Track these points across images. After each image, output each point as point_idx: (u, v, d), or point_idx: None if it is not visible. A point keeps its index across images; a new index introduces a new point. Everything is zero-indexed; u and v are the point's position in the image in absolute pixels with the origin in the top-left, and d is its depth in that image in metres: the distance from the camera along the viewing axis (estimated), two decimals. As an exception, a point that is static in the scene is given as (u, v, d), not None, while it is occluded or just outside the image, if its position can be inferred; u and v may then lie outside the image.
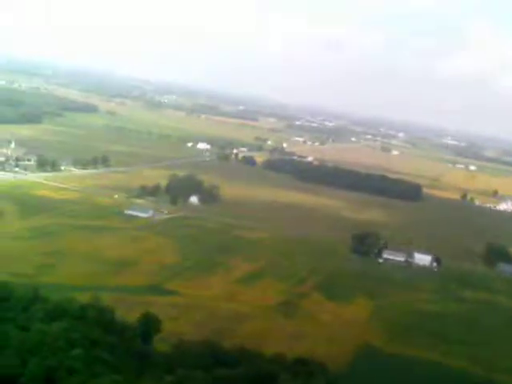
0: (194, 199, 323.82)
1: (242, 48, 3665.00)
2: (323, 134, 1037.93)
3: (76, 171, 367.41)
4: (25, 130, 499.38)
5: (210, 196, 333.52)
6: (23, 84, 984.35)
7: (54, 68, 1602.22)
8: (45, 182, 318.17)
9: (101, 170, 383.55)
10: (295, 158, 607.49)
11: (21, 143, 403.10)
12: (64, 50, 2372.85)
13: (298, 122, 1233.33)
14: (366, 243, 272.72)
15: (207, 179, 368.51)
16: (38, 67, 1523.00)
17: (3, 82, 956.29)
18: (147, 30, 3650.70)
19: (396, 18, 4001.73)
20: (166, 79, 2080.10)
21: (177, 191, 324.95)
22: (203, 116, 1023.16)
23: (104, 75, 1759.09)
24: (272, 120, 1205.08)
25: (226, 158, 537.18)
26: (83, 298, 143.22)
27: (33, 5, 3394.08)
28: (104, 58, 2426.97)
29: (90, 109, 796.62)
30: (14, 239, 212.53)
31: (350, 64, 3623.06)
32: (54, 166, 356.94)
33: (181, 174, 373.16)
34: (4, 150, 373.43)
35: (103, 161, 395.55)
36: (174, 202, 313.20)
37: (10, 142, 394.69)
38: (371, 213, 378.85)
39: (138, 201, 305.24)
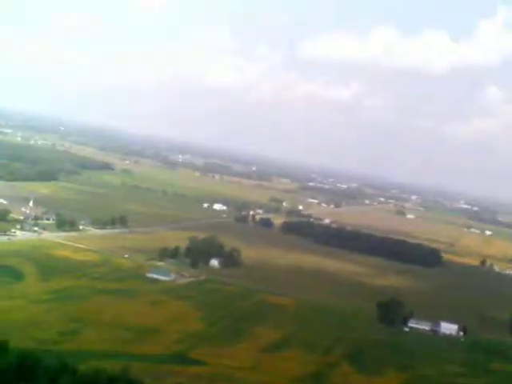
0: (214, 262, 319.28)
1: (249, 106, 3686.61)
2: (337, 196, 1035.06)
3: (95, 231, 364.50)
4: (42, 188, 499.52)
5: (230, 259, 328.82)
6: (39, 141, 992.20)
7: (66, 125, 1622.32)
8: (64, 242, 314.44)
9: (119, 230, 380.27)
10: (312, 220, 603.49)
11: (39, 201, 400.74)
12: (74, 108, 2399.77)
13: (310, 183, 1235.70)
14: (390, 311, 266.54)
15: (226, 241, 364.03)
16: (50, 124, 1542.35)
17: (19, 139, 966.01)
18: (153, 88, 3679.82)
19: (404, 82, 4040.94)
20: (175, 136, 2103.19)
21: (197, 254, 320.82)
22: (217, 176, 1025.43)
23: (115, 132, 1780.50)
24: (285, 181, 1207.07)
25: (243, 219, 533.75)
26: (109, 365, 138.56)
27: (41, 63, 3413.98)
28: (112, 115, 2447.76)
29: (106, 167, 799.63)
30: (35, 303, 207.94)
31: (358, 126, 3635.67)
32: (72, 226, 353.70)
33: (200, 235, 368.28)
34: (23, 209, 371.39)
35: (121, 221, 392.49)
36: (194, 264, 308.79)
37: (28, 200, 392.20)
38: (393, 279, 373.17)
39: (159, 263, 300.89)
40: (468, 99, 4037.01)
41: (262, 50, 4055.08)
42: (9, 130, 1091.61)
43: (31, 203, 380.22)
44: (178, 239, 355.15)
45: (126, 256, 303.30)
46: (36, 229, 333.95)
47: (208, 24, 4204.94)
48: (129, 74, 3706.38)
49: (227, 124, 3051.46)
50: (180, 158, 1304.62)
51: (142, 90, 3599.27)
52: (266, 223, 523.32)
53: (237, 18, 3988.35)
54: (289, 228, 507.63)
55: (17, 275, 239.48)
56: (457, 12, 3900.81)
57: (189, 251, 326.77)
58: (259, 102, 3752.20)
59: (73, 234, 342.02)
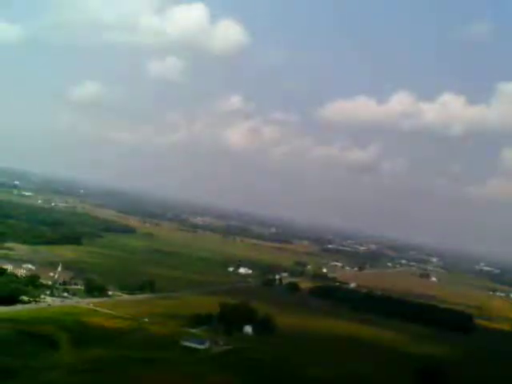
0: (248, 329, 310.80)
1: (265, 168, 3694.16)
2: (358, 258, 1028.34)
3: (124, 297, 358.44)
4: (67, 252, 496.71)
5: (263, 326, 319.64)
6: (59, 204, 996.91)
7: (84, 187, 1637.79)
8: (95, 308, 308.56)
9: (148, 296, 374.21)
10: (338, 284, 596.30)
11: (65, 266, 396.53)
12: (90, 170, 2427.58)
13: (330, 246, 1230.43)
14: (433, 381, 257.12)
15: (256, 307, 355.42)
16: (69, 186, 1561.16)
17: (40, 202, 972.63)
18: (168, 150, 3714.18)
19: (422, 144, 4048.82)
20: (191, 197, 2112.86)
21: (230, 320, 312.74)
22: (238, 239, 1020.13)
23: (133, 194, 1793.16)
24: (305, 243, 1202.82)
25: (270, 283, 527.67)
26: None
27: (55, 128, 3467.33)
28: (129, 176, 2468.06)
29: (127, 230, 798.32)
30: (71, 373, 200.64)
31: (376, 188, 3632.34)
32: (101, 291, 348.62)
33: (229, 300, 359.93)
34: (51, 274, 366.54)
35: (149, 286, 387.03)
36: (227, 332, 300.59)
37: (55, 264, 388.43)
38: (428, 346, 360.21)
39: (191, 330, 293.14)
40: (486, 161, 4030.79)
41: (278, 113, 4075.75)
42: (29, 193, 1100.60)
43: (59, 268, 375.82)
44: (208, 304, 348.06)
45: (159, 323, 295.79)
46: (66, 295, 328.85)
47: (223, 89, 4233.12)
48: (143, 137, 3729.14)
49: (243, 186, 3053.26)
50: (200, 220, 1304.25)
51: (156, 152, 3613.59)
52: (294, 287, 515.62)
53: (252, 83, 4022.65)
54: (317, 293, 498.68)
55: (51, 344, 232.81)
56: (473, 76, 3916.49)
57: (221, 318, 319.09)
58: (276, 165, 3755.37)
59: (103, 299, 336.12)
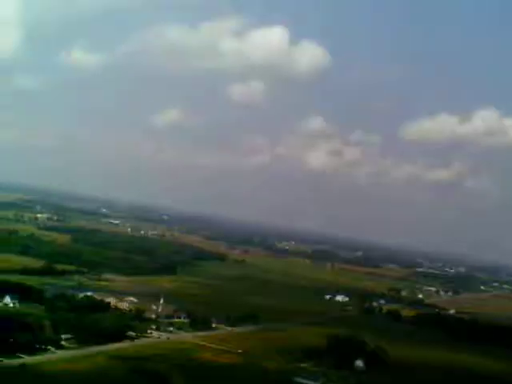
0: (359, 363, 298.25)
1: (346, 190, 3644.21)
2: (450, 282, 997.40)
3: (228, 329, 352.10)
4: (164, 282, 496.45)
5: (375, 359, 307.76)
6: (148, 231, 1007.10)
7: (167, 213, 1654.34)
8: (202, 342, 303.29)
9: (252, 328, 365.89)
10: (437, 311, 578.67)
11: (166, 297, 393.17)
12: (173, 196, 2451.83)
13: (419, 269, 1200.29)
14: None
15: (363, 338, 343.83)
16: (152, 212, 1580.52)
17: (129, 230, 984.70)
18: (248, 173, 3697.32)
19: (507, 160, 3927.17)
20: (273, 221, 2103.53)
21: (339, 354, 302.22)
22: (328, 264, 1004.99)
23: (215, 218, 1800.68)
24: (393, 266, 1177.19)
25: (370, 311, 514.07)
26: None
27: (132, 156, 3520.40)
28: (209, 201, 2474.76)
29: (218, 257, 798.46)
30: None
31: (460, 207, 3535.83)
32: (205, 324, 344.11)
33: (334, 331, 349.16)
34: (153, 307, 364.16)
35: (252, 318, 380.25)
36: (338, 366, 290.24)
37: (156, 296, 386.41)
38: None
39: (301, 365, 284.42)
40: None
41: (360, 134, 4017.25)
42: (117, 221, 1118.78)
43: (162, 300, 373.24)
44: (313, 336, 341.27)
45: (268, 357, 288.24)
46: (171, 329, 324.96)
47: (304, 111, 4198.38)
48: (224, 161, 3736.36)
49: (326, 209, 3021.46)
50: (286, 245, 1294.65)
51: (238, 177, 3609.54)
52: (395, 316, 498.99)
53: (333, 104, 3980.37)
54: (420, 321, 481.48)
55: (163, 382, 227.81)
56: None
57: (330, 351, 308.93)
58: (358, 187, 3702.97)
59: (207, 333, 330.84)
